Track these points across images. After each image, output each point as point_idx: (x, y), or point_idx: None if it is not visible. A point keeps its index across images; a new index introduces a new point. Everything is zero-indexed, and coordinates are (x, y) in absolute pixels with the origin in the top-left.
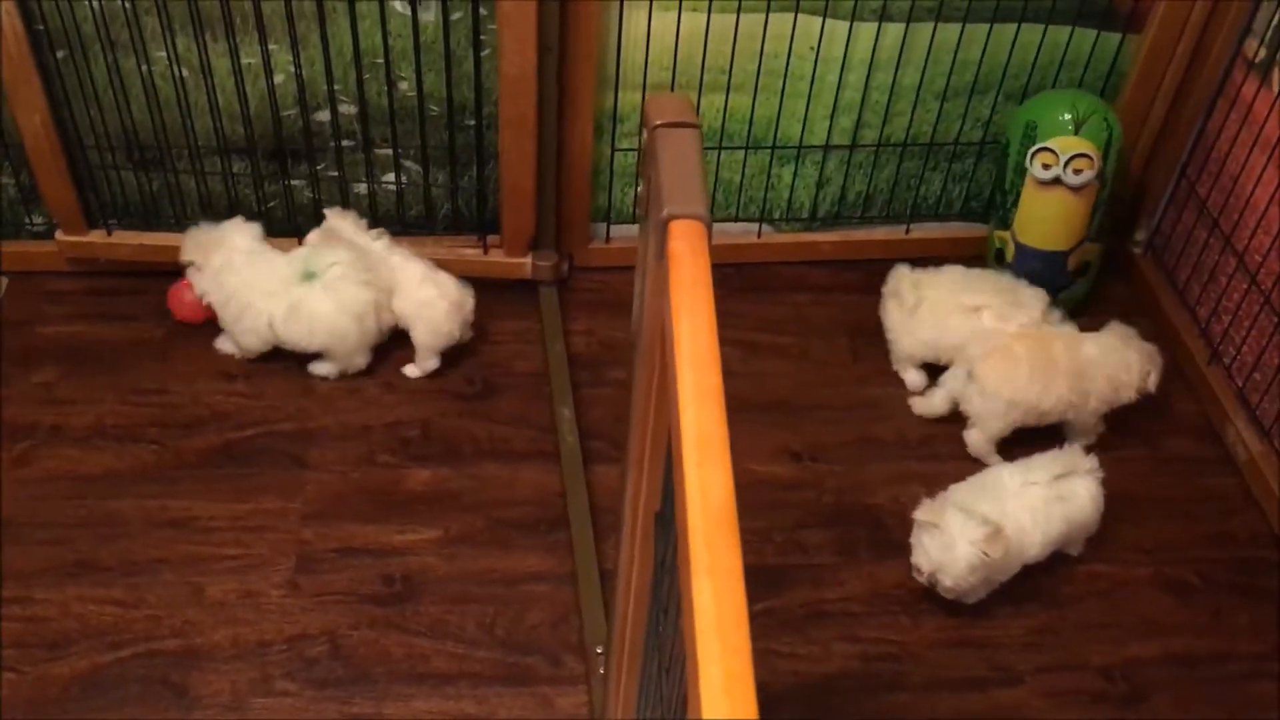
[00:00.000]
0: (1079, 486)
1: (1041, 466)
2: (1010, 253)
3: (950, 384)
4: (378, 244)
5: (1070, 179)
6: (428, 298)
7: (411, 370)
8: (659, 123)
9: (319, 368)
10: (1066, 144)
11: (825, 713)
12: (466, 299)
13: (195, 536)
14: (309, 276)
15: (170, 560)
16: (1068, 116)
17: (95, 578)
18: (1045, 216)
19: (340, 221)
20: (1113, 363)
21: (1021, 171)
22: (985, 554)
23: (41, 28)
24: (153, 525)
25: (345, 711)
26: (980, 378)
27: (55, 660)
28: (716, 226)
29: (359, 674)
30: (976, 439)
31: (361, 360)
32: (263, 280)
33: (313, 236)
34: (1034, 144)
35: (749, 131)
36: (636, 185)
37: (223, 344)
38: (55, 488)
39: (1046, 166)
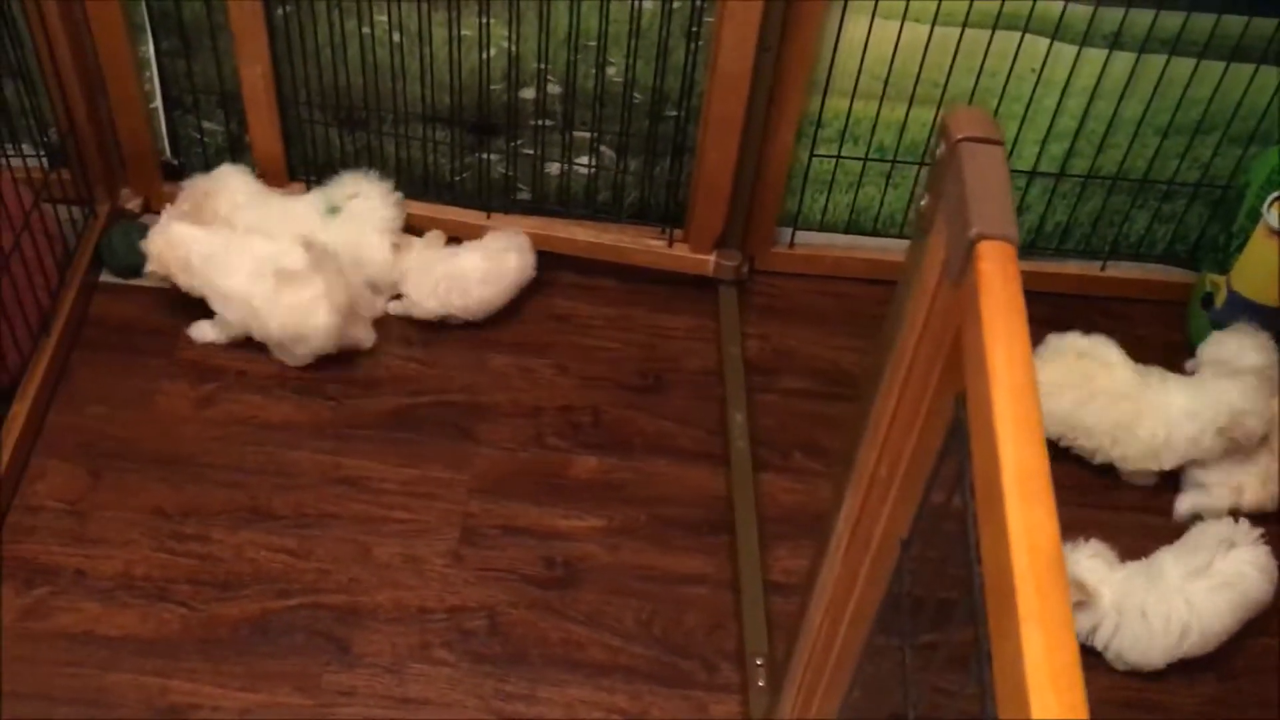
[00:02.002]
0: (1246, 564)
1: (1203, 545)
2: (1220, 299)
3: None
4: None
5: None
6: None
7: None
8: (962, 137)
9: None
10: None
11: None
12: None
13: (365, 496)
14: (332, 211)
15: (341, 516)
16: None
17: (269, 525)
18: (1270, 268)
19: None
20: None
21: (1255, 216)
22: None
23: None
24: (327, 480)
25: (500, 689)
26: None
27: (226, 601)
28: (901, 244)
29: (515, 653)
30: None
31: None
32: (278, 226)
33: (182, 206)
34: (1276, 189)
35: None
36: (830, 192)
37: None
38: (237, 431)
39: None
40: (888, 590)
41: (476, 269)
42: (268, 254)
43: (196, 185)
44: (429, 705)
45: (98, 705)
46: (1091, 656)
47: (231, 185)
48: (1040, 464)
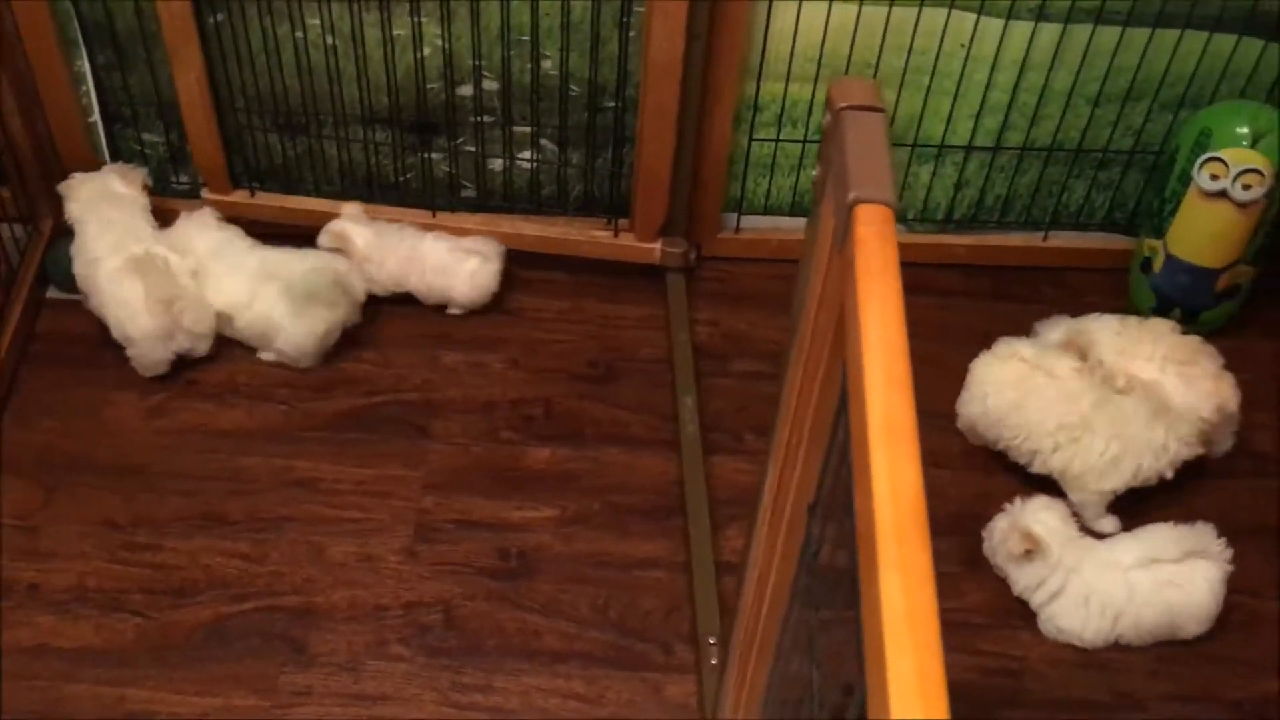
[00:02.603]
0: (1199, 574)
1: (1170, 540)
2: (1159, 263)
3: None
4: (393, 238)
5: (1237, 194)
6: (471, 269)
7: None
8: (844, 105)
9: (266, 355)
10: (1239, 156)
11: None
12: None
13: (319, 497)
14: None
15: (295, 519)
16: (1245, 129)
17: (223, 530)
18: (1203, 230)
19: (348, 223)
20: None
21: (1186, 179)
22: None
23: None
24: (280, 484)
25: (456, 681)
26: None
27: (181, 608)
28: None
29: (471, 645)
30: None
31: (311, 361)
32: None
33: (325, 237)
34: (1205, 152)
35: (890, 128)
36: (772, 176)
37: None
38: (188, 439)
39: (1214, 178)
40: (799, 557)
41: (435, 256)
42: (123, 239)
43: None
44: (387, 701)
45: (55, 717)
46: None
47: (193, 238)
48: (907, 418)
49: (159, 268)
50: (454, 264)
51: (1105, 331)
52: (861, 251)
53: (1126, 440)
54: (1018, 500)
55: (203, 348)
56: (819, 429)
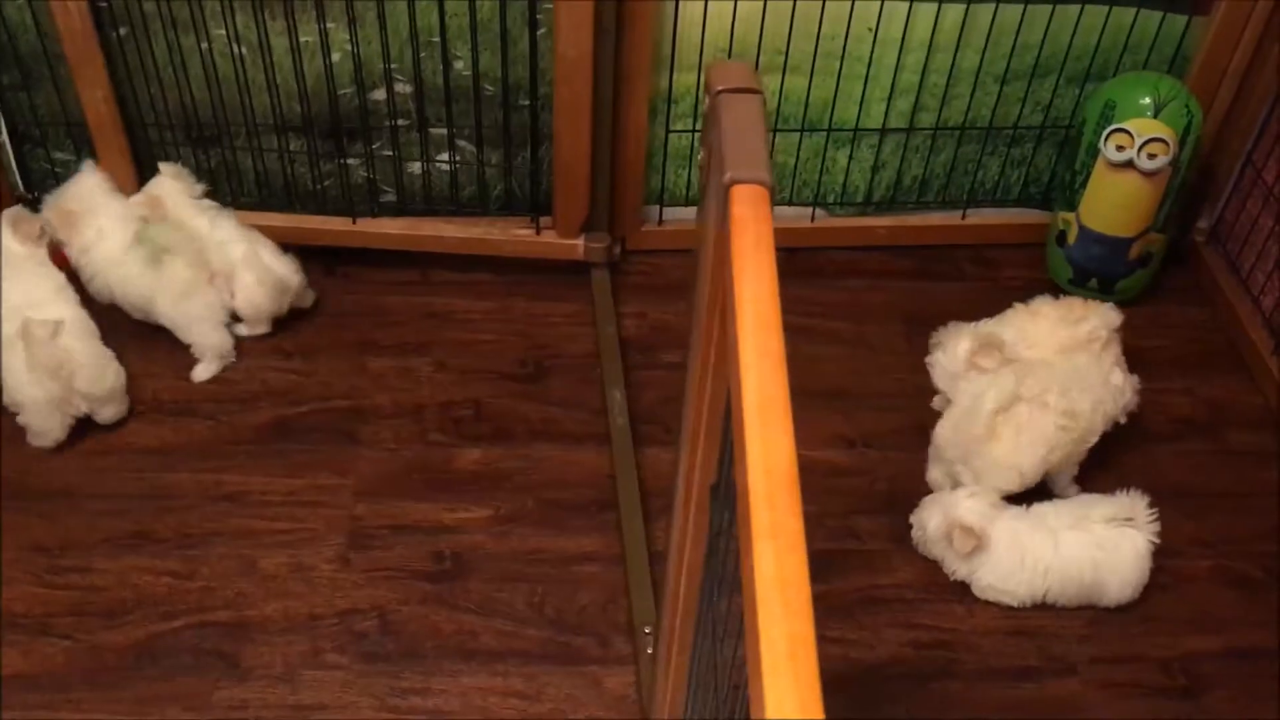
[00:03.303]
0: (1126, 540)
1: (1096, 506)
2: (1073, 235)
3: None
4: (202, 219)
5: (1144, 163)
6: (246, 283)
7: (241, 329)
8: (721, 88)
9: (198, 372)
10: (1143, 127)
11: (876, 700)
12: (290, 279)
13: (249, 510)
14: (143, 241)
15: (224, 533)
16: (1148, 100)
17: (152, 549)
18: (1113, 200)
19: (170, 182)
20: None
21: (1094, 152)
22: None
23: (105, 4)
24: (208, 499)
25: (394, 686)
26: None
27: (112, 629)
28: None
29: (408, 649)
30: None
31: (220, 340)
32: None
33: (138, 199)
34: (1110, 124)
35: (804, 114)
36: (690, 167)
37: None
38: (113, 460)
39: (1120, 148)
40: (707, 540)
41: (219, 244)
42: (26, 303)
43: (59, 207)
44: (325, 710)
45: None
46: (973, 591)
47: (96, 205)
48: (779, 391)
49: (41, 336)
50: (234, 254)
51: (1007, 330)
52: (737, 230)
53: (1094, 390)
54: (943, 492)
55: (109, 413)
56: (716, 408)
